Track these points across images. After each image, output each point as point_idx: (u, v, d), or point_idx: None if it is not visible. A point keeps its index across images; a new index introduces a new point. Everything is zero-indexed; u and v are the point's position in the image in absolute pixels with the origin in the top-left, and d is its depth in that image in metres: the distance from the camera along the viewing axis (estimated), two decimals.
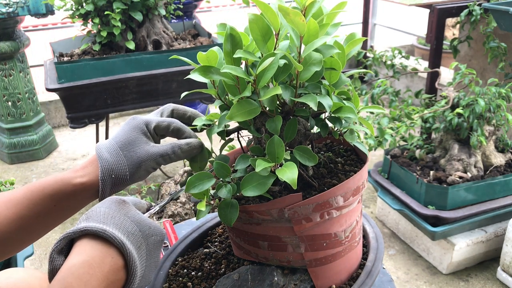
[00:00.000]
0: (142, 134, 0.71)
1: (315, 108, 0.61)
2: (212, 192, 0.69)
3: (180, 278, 0.79)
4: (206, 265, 0.81)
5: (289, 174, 0.59)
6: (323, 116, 0.72)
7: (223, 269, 0.78)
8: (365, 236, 0.84)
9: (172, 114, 0.78)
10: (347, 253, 0.73)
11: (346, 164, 0.79)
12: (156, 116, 0.76)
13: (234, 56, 0.63)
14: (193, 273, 0.80)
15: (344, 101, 0.69)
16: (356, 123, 0.73)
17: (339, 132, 0.72)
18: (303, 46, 0.63)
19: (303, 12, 0.62)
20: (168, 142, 0.73)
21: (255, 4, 0.61)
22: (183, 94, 0.76)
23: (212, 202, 0.68)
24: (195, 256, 0.84)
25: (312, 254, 0.69)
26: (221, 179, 0.68)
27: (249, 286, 0.71)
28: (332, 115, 0.69)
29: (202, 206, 0.65)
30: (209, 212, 0.67)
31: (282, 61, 0.64)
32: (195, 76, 0.65)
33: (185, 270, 0.81)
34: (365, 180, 0.73)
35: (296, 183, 0.59)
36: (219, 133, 0.73)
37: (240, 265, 0.77)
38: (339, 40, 0.68)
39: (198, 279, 0.78)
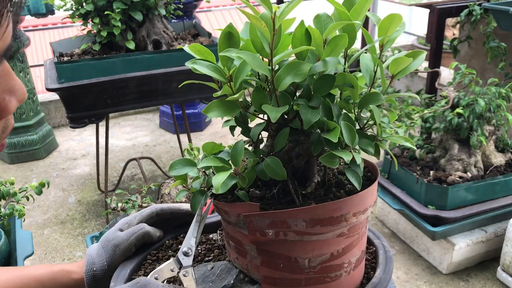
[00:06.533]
0: (118, 230, 0.80)
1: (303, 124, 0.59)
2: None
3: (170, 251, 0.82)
4: (199, 248, 0.81)
5: (219, 177, 0.60)
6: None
7: (211, 257, 0.79)
8: (375, 257, 0.77)
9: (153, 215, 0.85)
10: (311, 285, 0.66)
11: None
12: (135, 216, 0.84)
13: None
14: None
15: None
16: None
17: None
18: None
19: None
20: None
21: (245, 15, 0.58)
22: (182, 84, 0.75)
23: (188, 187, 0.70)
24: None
25: (267, 270, 0.66)
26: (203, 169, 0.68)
27: (212, 280, 0.71)
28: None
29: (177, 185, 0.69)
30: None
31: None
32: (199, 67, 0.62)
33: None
34: (350, 213, 0.62)
35: (218, 188, 0.59)
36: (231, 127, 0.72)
37: (225, 259, 0.77)
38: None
39: None
